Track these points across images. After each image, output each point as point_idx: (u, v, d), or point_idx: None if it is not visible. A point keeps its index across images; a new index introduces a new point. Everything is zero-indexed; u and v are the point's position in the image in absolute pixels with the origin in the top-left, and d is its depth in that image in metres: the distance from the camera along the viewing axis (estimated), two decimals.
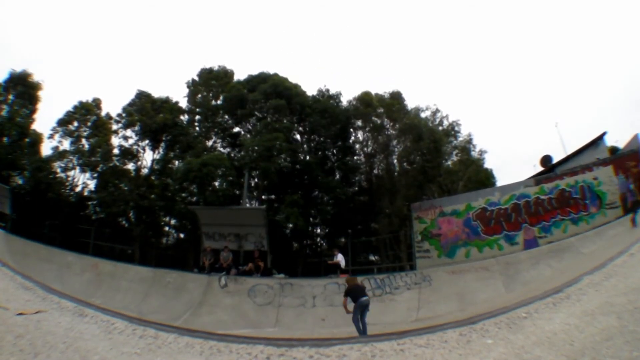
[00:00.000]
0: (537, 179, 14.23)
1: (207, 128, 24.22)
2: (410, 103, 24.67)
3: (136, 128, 22.54)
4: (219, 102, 24.74)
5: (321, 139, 23.06)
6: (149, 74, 66.27)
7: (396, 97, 23.75)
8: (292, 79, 24.31)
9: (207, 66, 26.13)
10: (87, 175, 22.28)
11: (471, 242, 13.74)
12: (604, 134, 16.01)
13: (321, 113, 22.72)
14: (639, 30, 54.69)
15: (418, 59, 74.80)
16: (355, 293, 7.63)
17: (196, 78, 25.95)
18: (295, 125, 23.34)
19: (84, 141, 22.34)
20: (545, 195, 12.89)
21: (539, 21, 71.21)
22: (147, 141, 22.86)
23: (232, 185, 20.82)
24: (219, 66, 26.11)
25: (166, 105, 23.49)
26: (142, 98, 23.47)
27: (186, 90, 25.75)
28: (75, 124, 22.59)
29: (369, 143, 23.84)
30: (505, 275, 10.49)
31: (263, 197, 22.98)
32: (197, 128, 24.69)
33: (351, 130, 23.88)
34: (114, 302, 10.26)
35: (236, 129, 24.46)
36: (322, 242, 25.32)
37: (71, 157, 21.84)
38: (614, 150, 15.83)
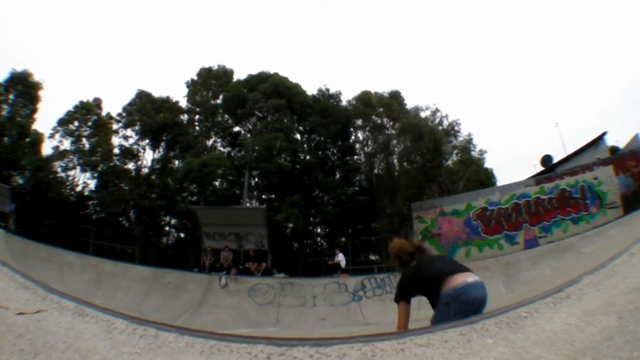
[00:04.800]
0: (538, 178, 14.22)
1: (207, 127, 24.24)
2: (410, 103, 24.71)
3: (136, 128, 22.57)
4: (218, 101, 24.75)
5: (321, 138, 23.08)
6: (149, 73, 66.19)
7: (395, 96, 23.78)
8: (292, 78, 24.38)
9: (207, 66, 26.18)
10: (88, 174, 22.34)
11: (471, 241, 13.74)
12: (604, 133, 16.02)
13: (321, 112, 22.75)
14: (639, 30, 54.65)
15: (417, 59, 74.79)
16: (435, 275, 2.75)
17: (195, 77, 25.96)
18: (296, 124, 23.36)
19: (84, 141, 22.36)
20: (546, 195, 12.89)
21: (539, 21, 71.20)
22: (147, 141, 22.88)
23: (232, 185, 20.85)
24: (219, 65, 26.15)
25: (166, 105, 23.51)
26: (142, 98, 23.49)
27: (186, 90, 25.79)
28: (76, 123, 22.62)
29: (369, 143, 23.86)
30: (506, 274, 10.50)
31: (263, 196, 23.00)
32: (197, 127, 24.72)
33: (351, 129, 23.91)
34: (114, 301, 10.26)
35: (236, 129, 24.51)
36: (322, 241, 25.34)
37: (72, 157, 21.86)
38: (614, 150, 15.81)
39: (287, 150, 20.44)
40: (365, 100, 22.94)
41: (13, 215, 15.28)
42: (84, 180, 22.86)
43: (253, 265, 13.38)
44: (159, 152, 23.36)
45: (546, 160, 18.58)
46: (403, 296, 2.76)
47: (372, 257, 24.01)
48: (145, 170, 23.09)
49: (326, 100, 23.88)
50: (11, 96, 22.50)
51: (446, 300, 2.49)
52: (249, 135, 22.94)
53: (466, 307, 2.38)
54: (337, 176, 23.51)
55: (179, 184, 20.45)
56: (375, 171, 23.79)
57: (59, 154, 21.81)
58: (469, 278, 2.50)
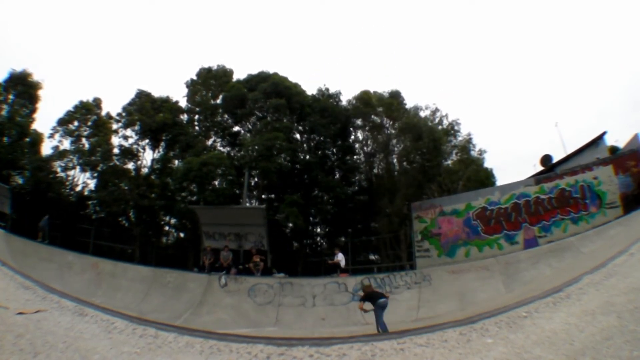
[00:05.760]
0: (537, 178, 14.22)
1: (207, 127, 24.20)
2: (410, 102, 24.63)
3: (136, 127, 22.52)
4: (218, 101, 24.72)
5: (321, 138, 23.05)
6: (149, 73, 66.29)
7: (395, 96, 23.72)
8: (292, 78, 24.32)
9: (206, 66, 26.11)
10: (87, 174, 22.30)
11: (471, 241, 13.74)
12: (604, 133, 16.04)
13: (321, 112, 22.71)
14: (639, 30, 54.64)
15: (417, 59, 74.82)
16: (372, 298, 8.28)
17: (195, 77, 25.91)
18: (295, 124, 23.33)
19: (84, 141, 22.33)
20: (545, 195, 12.89)
21: (539, 21, 71.20)
22: (147, 140, 22.84)
23: (232, 185, 20.81)
24: (218, 65, 26.08)
25: (166, 105, 23.47)
26: (142, 97, 23.45)
27: (185, 90, 25.74)
28: (76, 123, 22.58)
29: (369, 142, 23.82)
30: (505, 274, 10.50)
31: (263, 196, 22.97)
32: (196, 127, 24.67)
33: (351, 129, 23.86)
34: (114, 301, 10.26)
35: (236, 128, 24.45)
36: (322, 241, 25.32)
37: (71, 157, 21.82)
38: (614, 149, 15.81)
39: (287, 150, 20.40)
40: (365, 100, 22.88)
41: (46, 229, 15.21)
42: (84, 180, 22.87)
43: (256, 258, 13.35)
44: (158, 152, 23.33)
45: (546, 160, 18.59)
46: (362, 300, 8.49)
47: (372, 257, 23.99)
48: (145, 170, 23.05)
49: (326, 100, 23.83)
50: (10, 96, 22.47)
51: (377, 307, 7.98)
52: (248, 134, 22.91)
53: (381, 308, 7.97)
54: (337, 176, 23.48)
55: (179, 183, 20.41)
56: (375, 171, 23.75)
57: (59, 154, 21.77)
58: (381, 300, 8.05)
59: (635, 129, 44.87)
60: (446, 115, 24.50)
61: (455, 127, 24.21)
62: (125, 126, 22.70)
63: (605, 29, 64.01)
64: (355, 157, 24.14)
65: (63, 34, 66.55)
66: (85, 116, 22.83)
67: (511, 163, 51.56)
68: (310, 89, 24.91)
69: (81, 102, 23.18)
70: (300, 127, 23.74)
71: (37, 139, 22.56)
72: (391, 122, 22.77)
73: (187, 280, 12.14)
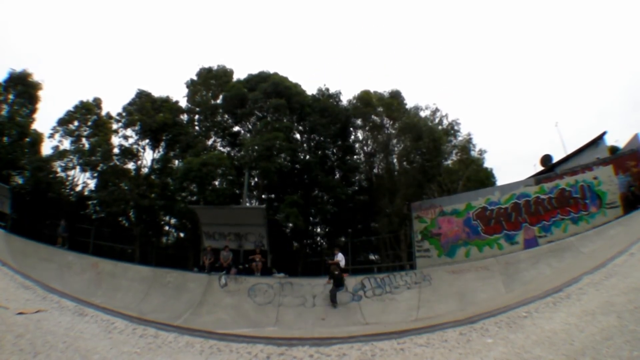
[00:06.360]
0: (537, 178, 14.24)
1: (207, 127, 24.19)
2: (410, 102, 24.60)
3: (136, 127, 22.48)
4: (218, 101, 24.70)
5: (321, 138, 23.02)
6: (149, 73, 66.37)
7: (395, 96, 23.68)
8: (292, 78, 24.28)
9: (207, 66, 26.08)
10: (88, 174, 22.24)
11: (471, 241, 13.75)
12: (604, 133, 16.05)
13: (321, 112, 22.69)
14: (639, 30, 54.62)
15: (417, 59, 74.84)
16: (336, 281, 10.95)
17: (195, 77, 25.89)
18: (295, 124, 23.31)
19: (84, 140, 22.29)
20: (546, 195, 12.90)
21: (539, 21, 71.18)
22: (147, 140, 22.81)
23: (232, 185, 20.81)
24: (218, 65, 26.04)
25: (166, 105, 23.44)
26: (142, 97, 23.42)
27: (186, 90, 25.72)
28: (76, 123, 22.54)
29: (369, 142, 23.78)
30: (506, 274, 10.51)
31: (263, 196, 22.96)
32: (196, 127, 24.66)
33: (351, 129, 23.83)
34: (114, 301, 10.26)
35: (236, 128, 24.42)
36: (322, 241, 25.32)
37: (71, 157, 21.78)
38: (614, 149, 15.83)
39: (287, 150, 20.37)
40: (365, 100, 22.84)
41: (64, 235, 15.48)
42: (84, 180, 22.81)
43: (257, 256, 13.38)
44: (158, 151, 23.31)
45: (546, 160, 18.62)
46: (329, 277, 11.31)
47: (372, 257, 23.99)
48: (145, 170, 23.02)
49: (326, 100, 23.80)
50: (10, 96, 22.47)
51: (336, 289, 10.99)
52: (248, 134, 22.88)
53: (337, 290, 11.08)
54: (337, 176, 23.45)
55: (179, 183, 20.39)
56: (375, 171, 23.72)
57: (59, 154, 21.74)
58: (340, 287, 11.12)
59: (635, 129, 44.90)
60: (446, 115, 24.46)
61: (455, 127, 24.15)
62: (126, 126, 22.66)
63: (605, 29, 64.01)
64: (355, 157, 24.10)
65: (63, 34, 66.60)
66: (85, 116, 22.79)
67: (511, 163, 51.62)
68: (310, 89, 24.87)
69: (81, 102, 23.14)
70: (300, 127, 23.71)
71: (37, 139, 22.54)
72: (391, 122, 22.73)
73: (187, 280, 12.14)
